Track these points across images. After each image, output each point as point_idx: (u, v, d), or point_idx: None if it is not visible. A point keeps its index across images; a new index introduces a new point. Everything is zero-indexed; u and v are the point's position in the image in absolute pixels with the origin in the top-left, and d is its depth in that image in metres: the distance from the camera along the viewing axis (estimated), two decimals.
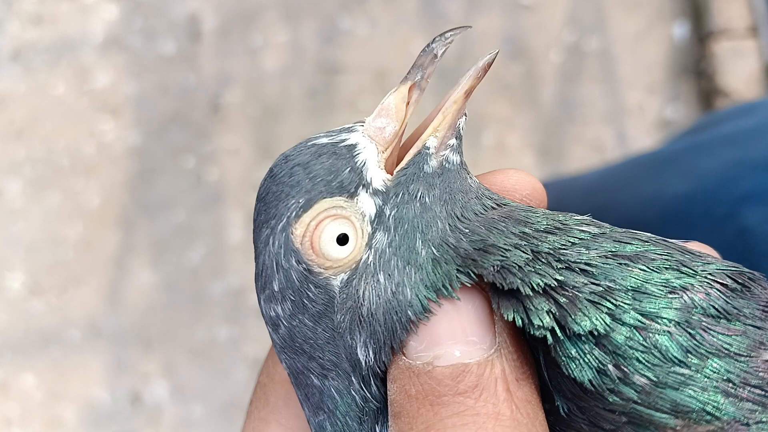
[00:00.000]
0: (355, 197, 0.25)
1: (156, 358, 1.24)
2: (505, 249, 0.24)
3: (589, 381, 0.22)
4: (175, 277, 1.27)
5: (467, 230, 0.25)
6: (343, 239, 0.25)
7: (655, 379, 0.21)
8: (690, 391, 0.21)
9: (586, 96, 1.28)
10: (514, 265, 0.23)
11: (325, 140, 0.26)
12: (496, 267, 0.23)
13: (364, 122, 0.26)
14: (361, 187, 0.25)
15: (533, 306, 0.22)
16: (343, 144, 0.26)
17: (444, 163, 0.26)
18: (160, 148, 1.32)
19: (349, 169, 0.25)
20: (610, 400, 0.22)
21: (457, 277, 0.24)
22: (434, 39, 0.26)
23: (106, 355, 1.24)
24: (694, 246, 0.27)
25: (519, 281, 0.23)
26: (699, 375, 0.22)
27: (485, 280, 0.23)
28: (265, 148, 1.31)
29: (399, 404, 0.23)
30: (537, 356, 0.24)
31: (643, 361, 0.22)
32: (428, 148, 0.26)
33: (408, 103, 0.26)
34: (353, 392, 0.25)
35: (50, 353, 1.25)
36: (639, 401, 0.22)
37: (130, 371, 1.24)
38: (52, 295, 1.27)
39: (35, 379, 1.24)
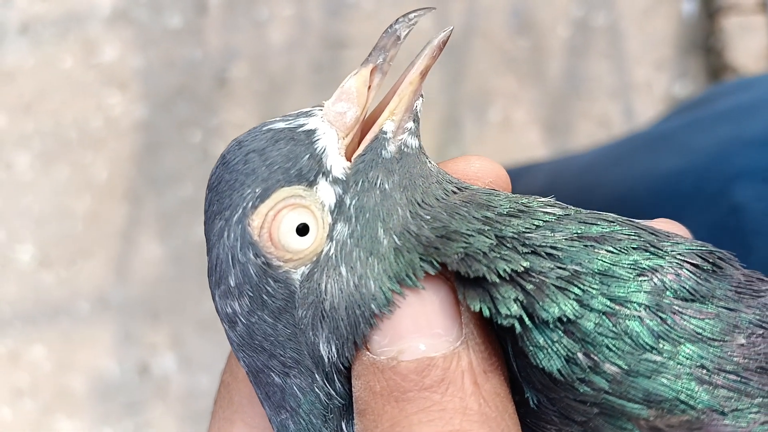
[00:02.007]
0: (314, 186, 0.23)
1: (163, 330, 1.22)
2: (468, 235, 0.22)
3: (558, 370, 0.20)
4: (183, 250, 1.25)
5: (429, 217, 0.23)
6: (303, 230, 0.23)
7: (626, 367, 0.20)
8: (663, 379, 0.20)
9: (593, 71, 1.24)
10: (478, 251, 0.21)
11: (281, 125, 0.24)
12: (459, 254, 0.21)
13: (322, 106, 0.24)
14: (320, 175, 0.23)
15: (500, 294, 0.21)
16: (301, 129, 0.24)
17: (402, 148, 0.24)
18: (167, 121, 1.29)
19: (308, 156, 0.23)
20: (581, 390, 0.20)
21: (420, 266, 0.22)
22: (397, 20, 0.24)
23: (114, 326, 1.23)
24: (662, 223, 0.25)
25: (485, 268, 0.21)
26: (671, 362, 0.20)
27: (449, 268, 0.22)
28: None
29: (364, 401, 0.22)
30: (505, 346, 0.22)
31: (614, 349, 0.20)
32: (385, 133, 0.24)
33: (369, 87, 0.24)
34: (317, 390, 0.23)
35: (59, 324, 1.24)
36: (610, 391, 0.20)
37: (138, 343, 1.22)
38: (61, 267, 1.26)
39: (45, 350, 1.23)
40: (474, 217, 0.23)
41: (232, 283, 0.23)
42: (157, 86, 1.30)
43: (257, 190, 0.23)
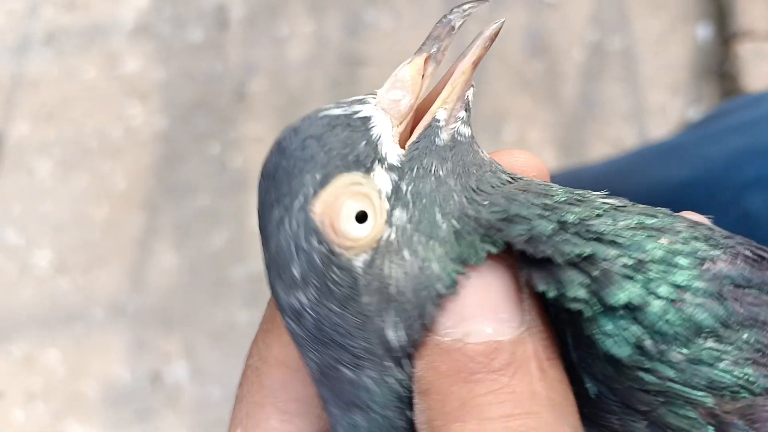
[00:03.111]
0: (371, 172, 0.23)
1: (176, 339, 1.22)
2: (530, 218, 0.22)
3: (628, 357, 0.20)
4: (198, 261, 1.25)
5: (486, 202, 0.23)
6: (362, 217, 0.22)
7: (690, 354, 0.20)
8: (723, 366, 0.20)
9: (607, 95, 1.24)
10: (542, 234, 0.21)
11: (337, 111, 0.23)
12: (523, 236, 0.21)
13: (375, 94, 0.24)
14: (377, 161, 0.23)
15: (567, 278, 0.21)
16: (357, 116, 0.23)
17: (455, 136, 0.24)
18: (186, 133, 1.30)
19: (364, 142, 0.23)
20: (646, 379, 0.20)
21: (482, 246, 0.22)
22: (451, 10, 0.24)
23: (127, 334, 1.23)
24: (689, 215, 0.25)
25: (551, 250, 0.21)
26: (731, 348, 0.20)
27: (514, 249, 0.21)
28: None
29: (428, 381, 0.21)
30: (563, 337, 0.22)
31: (679, 336, 0.20)
32: (438, 121, 0.23)
33: (423, 76, 0.24)
34: (388, 379, 0.22)
35: (74, 330, 1.24)
36: (676, 379, 0.20)
37: (151, 351, 1.22)
38: (77, 273, 1.26)
39: (59, 355, 1.23)
40: (533, 203, 0.22)
41: (297, 274, 0.22)
42: (177, 98, 1.31)
43: (317, 176, 0.22)
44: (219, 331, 1.21)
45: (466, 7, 0.24)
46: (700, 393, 0.20)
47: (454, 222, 0.22)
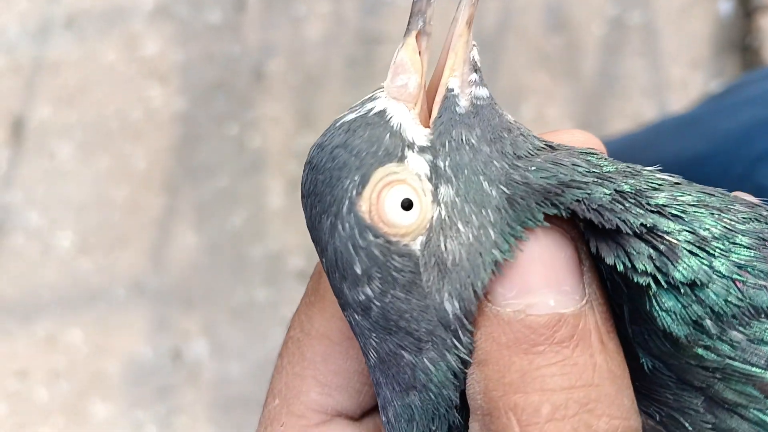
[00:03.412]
0: (404, 160, 0.23)
1: (197, 317, 1.22)
2: (587, 183, 0.21)
3: (686, 336, 0.20)
4: (217, 240, 1.25)
5: (533, 168, 0.22)
6: (408, 205, 0.22)
7: (751, 335, 0.20)
8: None
9: (628, 69, 1.22)
10: (602, 199, 0.21)
11: (352, 116, 0.24)
12: (585, 200, 0.21)
13: (383, 88, 0.24)
14: (406, 148, 0.23)
15: (634, 249, 0.20)
16: (372, 113, 0.23)
17: (474, 101, 0.23)
18: (205, 114, 1.30)
19: (388, 134, 0.23)
20: (705, 356, 0.20)
21: (538, 208, 0.21)
22: None
23: (149, 313, 1.23)
24: (745, 196, 0.25)
25: (617, 219, 0.20)
26: None
27: (580, 216, 0.21)
28: (305, 117, 1.28)
29: (486, 351, 0.21)
30: (618, 312, 0.22)
31: (740, 316, 0.20)
32: (452, 90, 0.23)
33: (420, 52, 0.24)
34: (448, 355, 0.22)
35: (96, 309, 1.24)
36: (734, 357, 0.20)
37: (172, 329, 1.23)
38: (99, 254, 1.27)
39: (81, 334, 1.24)
40: (585, 170, 0.22)
41: (359, 271, 0.23)
42: (196, 80, 1.31)
43: (356, 179, 0.23)
44: (238, 309, 1.21)
45: None
46: (759, 370, 0.20)
47: (503, 188, 0.22)
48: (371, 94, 0.24)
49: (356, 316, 0.23)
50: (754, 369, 0.20)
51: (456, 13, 0.24)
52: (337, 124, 0.24)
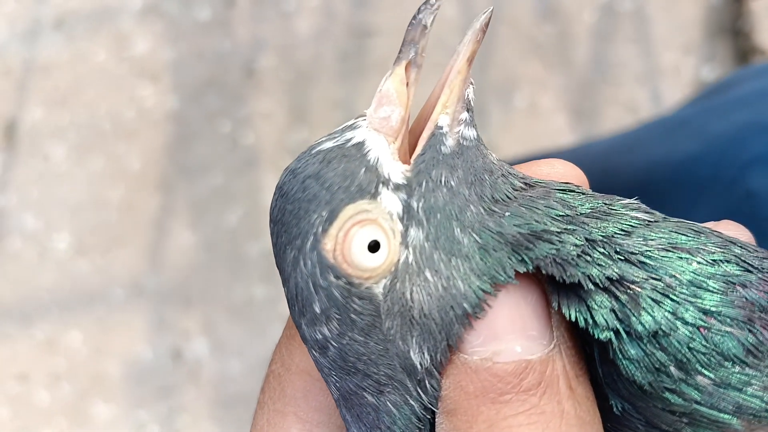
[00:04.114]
0: (377, 197, 0.22)
1: (196, 316, 1.22)
2: (557, 234, 0.21)
3: (649, 383, 0.20)
4: (214, 238, 1.24)
5: (507, 213, 0.22)
6: (374, 245, 0.21)
7: (717, 379, 0.20)
8: (752, 390, 0.20)
9: (620, 56, 1.21)
10: (570, 253, 0.21)
11: (329, 144, 0.22)
12: (552, 256, 0.21)
13: (365, 116, 0.23)
14: (380, 185, 0.22)
15: (596, 304, 0.20)
16: (350, 144, 0.22)
17: (461, 141, 0.22)
18: (198, 112, 1.29)
19: (363, 169, 0.22)
20: (672, 400, 0.20)
21: (510, 264, 0.21)
22: (419, 9, 0.23)
23: (148, 312, 1.23)
24: (728, 226, 0.25)
25: (580, 274, 0.20)
26: (760, 374, 0.20)
27: (543, 271, 0.21)
28: (298, 112, 1.27)
29: (454, 401, 0.21)
30: (589, 351, 0.22)
31: (706, 362, 0.20)
32: (441, 128, 0.22)
33: (408, 84, 0.23)
34: (411, 402, 0.22)
35: (95, 311, 1.24)
36: (701, 402, 0.20)
37: (171, 328, 1.22)
38: (96, 254, 1.26)
39: (81, 336, 1.23)
40: (557, 215, 0.21)
41: (318, 310, 0.22)
42: (188, 78, 1.30)
43: (324, 214, 0.22)
44: (237, 307, 1.21)
45: (433, 1, 0.23)
46: (726, 416, 0.20)
47: (476, 236, 0.21)
48: (353, 122, 0.23)
49: (314, 353, 0.23)
50: (722, 415, 0.20)
51: (458, 47, 0.23)
52: (313, 151, 0.23)
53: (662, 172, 0.52)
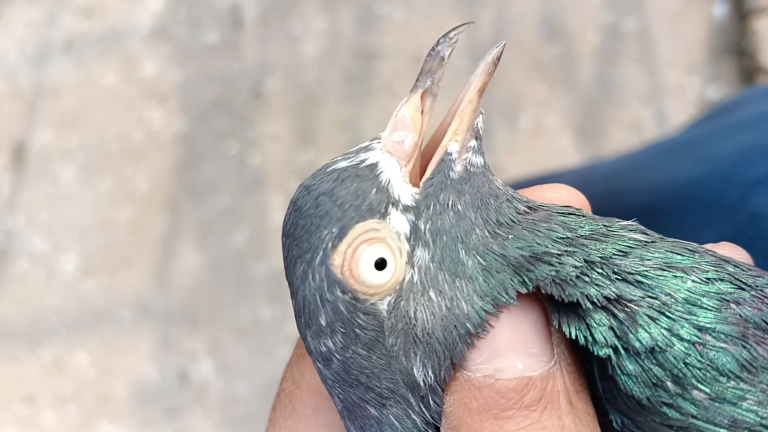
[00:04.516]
0: (386, 217, 0.23)
1: (202, 337, 1.22)
2: (557, 256, 0.22)
3: (647, 398, 0.21)
4: (221, 259, 1.24)
5: (510, 236, 0.23)
6: (381, 263, 0.23)
7: (713, 394, 0.21)
8: (746, 405, 0.21)
9: (624, 76, 1.21)
10: (569, 274, 0.22)
11: (344, 164, 0.24)
12: (552, 277, 0.22)
13: (380, 139, 0.24)
14: (390, 205, 0.23)
15: (595, 322, 0.21)
16: (363, 165, 0.23)
17: (468, 167, 0.24)
18: (205, 134, 1.30)
19: (375, 189, 0.23)
20: (669, 415, 0.21)
21: (512, 285, 0.22)
22: (438, 41, 0.24)
23: (154, 334, 1.23)
24: (725, 248, 0.25)
25: (578, 294, 0.21)
26: (754, 389, 0.21)
27: (543, 291, 0.22)
28: (305, 134, 1.27)
29: (458, 417, 0.22)
30: (589, 367, 0.22)
31: (701, 377, 0.21)
32: (450, 154, 0.23)
33: (422, 112, 0.24)
34: (414, 416, 0.23)
35: (102, 332, 1.24)
36: (698, 416, 0.21)
37: (178, 350, 1.22)
38: (103, 276, 1.26)
39: (88, 357, 1.23)
40: (558, 237, 0.22)
41: (323, 322, 0.23)
42: (196, 100, 1.31)
43: (334, 230, 0.23)
44: (243, 328, 1.21)
45: (452, 35, 0.24)
46: (722, 430, 0.21)
47: (479, 258, 0.22)
48: (367, 144, 0.24)
49: (319, 365, 0.24)
50: (718, 429, 0.20)
51: (470, 77, 0.24)
52: (328, 170, 0.24)
53: (668, 195, 0.52)
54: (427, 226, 0.23)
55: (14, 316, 1.25)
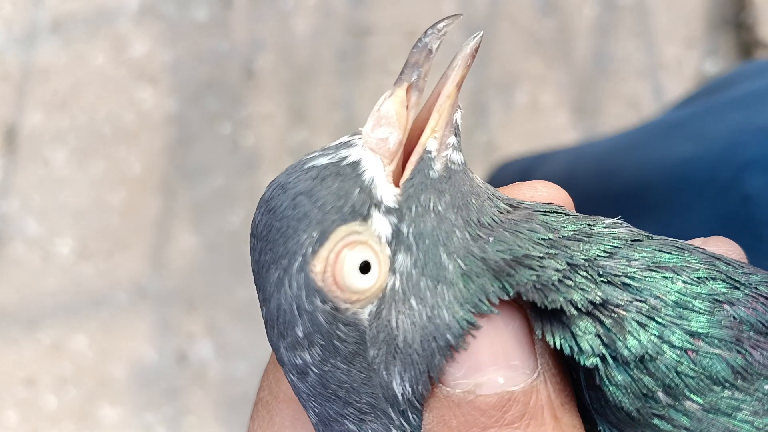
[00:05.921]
0: (368, 219, 0.21)
1: (200, 318, 1.21)
2: (540, 258, 0.20)
3: (637, 410, 0.19)
4: (216, 240, 1.24)
5: (491, 238, 0.21)
6: (365, 267, 0.21)
7: (707, 405, 0.19)
8: (741, 416, 0.19)
9: (621, 51, 1.19)
10: (550, 279, 0.20)
11: (323, 160, 0.22)
12: (533, 282, 0.20)
13: (360, 134, 0.22)
14: (373, 207, 0.21)
15: (580, 330, 0.20)
16: (345, 162, 0.21)
17: (448, 165, 0.22)
18: (197, 114, 1.28)
19: (358, 190, 0.21)
20: (661, 427, 0.19)
21: (492, 291, 0.20)
22: (426, 32, 0.22)
23: (152, 316, 1.22)
24: (717, 242, 0.24)
25: (561, 299, 0.20)
26: (750, 398, 0.19)
27: (524, 298, 0.20)
28: (298, 112, 1.25)
29: None
30: (575, 375, 0.21)
31: (694, 386, 0.19)
32: (429, 152, 0.22)
33: (408, 107, 0.22)
34: (393, 429, 0.21)
35: (100, 315, 1.23)
36: (691, 428, 0.19)
37: (176, 331, 1.21)
38: (99, 259, 1.25)
39: (86, 340, 1.23)
40: (539, 239, 0.21)
41: (300, 334, 0.21)
42: (187, 79, 1.28)
43: (314, 234, 0.21)
44: (241, 308, 1.20)
45: (440, 26, 0.22)
46: None
47: (460, 262, 0.21)
48: (348, 139, 0.22)
49: (292, 377, 0.22)
50: None
51: (447, 70, 0.22)
52: (305, 166, 0.22)
53: (659, 175, 0.51)
54: (410, 230, 0.21)
55: (11, 300, 1.25)
